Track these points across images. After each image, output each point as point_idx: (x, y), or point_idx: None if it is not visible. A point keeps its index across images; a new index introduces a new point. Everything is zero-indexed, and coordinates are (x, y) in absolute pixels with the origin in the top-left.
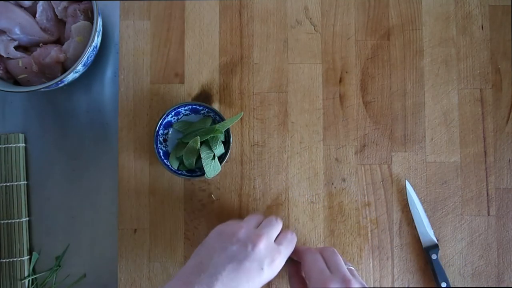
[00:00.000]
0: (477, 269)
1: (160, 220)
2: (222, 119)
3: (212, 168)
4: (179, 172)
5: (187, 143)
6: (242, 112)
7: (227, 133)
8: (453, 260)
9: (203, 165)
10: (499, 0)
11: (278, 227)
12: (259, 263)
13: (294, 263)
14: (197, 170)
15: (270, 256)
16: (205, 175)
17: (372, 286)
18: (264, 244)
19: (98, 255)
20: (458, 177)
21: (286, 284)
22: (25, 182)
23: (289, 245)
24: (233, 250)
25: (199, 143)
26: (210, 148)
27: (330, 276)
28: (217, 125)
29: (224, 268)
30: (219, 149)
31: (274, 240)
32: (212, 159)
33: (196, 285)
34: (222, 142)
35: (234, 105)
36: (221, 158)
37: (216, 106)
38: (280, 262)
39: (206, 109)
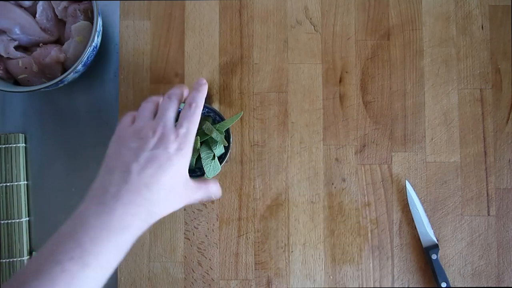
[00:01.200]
0: (477, 269)
1: (160, 220)
2: (222, 119)
3: (212, 168)
4: None
5: None
6: (242, 112)
7: (227, 133)
8: (453, 260)
9: (203, 165)
10: (499, 0)
11: (173, 106)
12: (164, 149)
13: None
14: (197, 170)
15: (173, 142)
16: (205, 175)
17: (372, 286)
18: (161, 133)
19: None
20: (458, 177)
21: (287, 284)
22: (25, 182)
23: (191, 122)
24: (134, 147)
25: (199, 143)
26: (210, 148)
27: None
28: (217, 125)
29: (130, 166)
30: (219, 149)
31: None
32: (212, 159)
33: (108, 195)
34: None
35: (234, 105)
36: (221, 158)
37: (216, 106)
38: (186, 144)
39: (206, 109)
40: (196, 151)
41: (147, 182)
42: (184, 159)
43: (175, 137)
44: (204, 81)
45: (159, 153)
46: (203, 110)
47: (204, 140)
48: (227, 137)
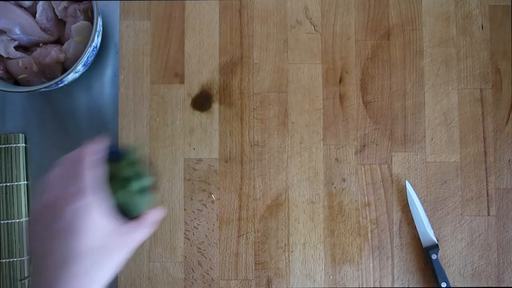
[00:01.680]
0: (477, 269)
1: (160, 220)
2: (125, 154)
3: (139, 205)
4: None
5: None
6: (145, 145)
7: (143, 163)
8: (453, 260)
9: (128, 207)
10: (499, 0)
11: (63, 168)
12: (69, 214)
13: None
14: (134, 212)
15: (75, 202)
16: (134, 214)
17: (372, 286)
18: (61, 201)
19: None
20: (458, 177)
21: (287, 284)
22: (25, 182)
23: (81, 175)
24: (40, 228)
25: (114, 188)
26: (131, 186)
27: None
28: (125, 161)
29: (43, 252)
30: (141, 182)
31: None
32: (136, 196)
33: None
34: (147, 175)
35: (234, 105)
36: (148, 188)
37: (216, 106)
38: (90, 197)
39: (112, 151)
40: (120, 196)
41: (63, 259)
42: (97, 211)
43: (66, 201)
44: (101, 138)
45: (65, 222)
46: (110, 153)
47: (120, 181)
48: (144, 165)
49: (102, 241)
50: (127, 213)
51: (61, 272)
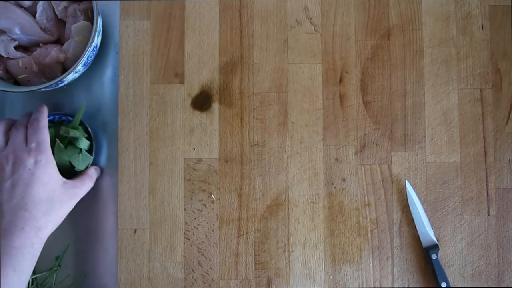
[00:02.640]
0: (477, 269)
1: (160, 220)
2: (72, 117)
3: (81, 160)
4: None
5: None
6: (85, 103)
7: (84, 126)
8: (453, 260)
9: (72, 161)
10: (499, 0)
11: (20, 132)
12: (23, 168)
13: None
14: (77, 169)
15: (28, 159)
16: (76, 168)
17: (372, 286)
18: (13, 157)
19: (98, 255)
20: (458, 177)
21: (287, 284)
22: None
23: (38, 134)
24: None
25: (61, 146)
26: (75, 146)
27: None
28: (70, 124)
29: None
30: (84, 143)
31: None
32: (79, 154)
33: None
34: (86, 137)
35: (234, 105)
36: (91, 149)
37: (216, 106)
38: (42, 154)
39: (57, 116)
40: (64, 154)
41: (21, 204)
42: (48, 167)
43: (28, 154)
44: (43, 105)
45: (20, 174)
46: (55, 117)
47: (67, 141)
48: (86, 129)
49: (53, 192)
50: (70, 170)
51: (18, 215)
